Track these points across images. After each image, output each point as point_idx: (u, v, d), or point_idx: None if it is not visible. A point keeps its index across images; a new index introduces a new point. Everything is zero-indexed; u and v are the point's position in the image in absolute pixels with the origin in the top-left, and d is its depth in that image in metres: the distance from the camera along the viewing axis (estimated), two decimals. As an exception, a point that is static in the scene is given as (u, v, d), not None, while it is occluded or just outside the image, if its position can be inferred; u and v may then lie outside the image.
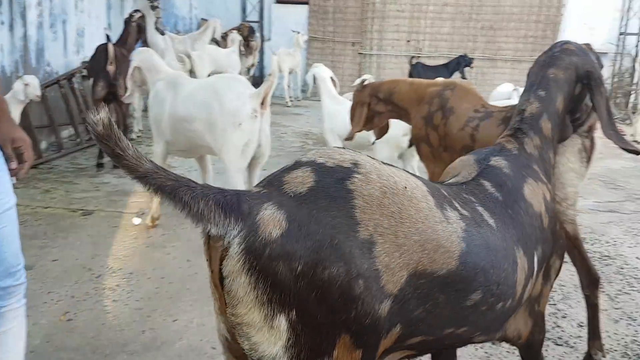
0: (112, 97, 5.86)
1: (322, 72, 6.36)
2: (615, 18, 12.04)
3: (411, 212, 1.26)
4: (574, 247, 2.54)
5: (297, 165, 1.25)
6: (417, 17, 12.64)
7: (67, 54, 7.07)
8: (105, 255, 3.77)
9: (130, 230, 4.27)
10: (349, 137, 3.88)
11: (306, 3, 13.05)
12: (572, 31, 12.28)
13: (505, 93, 6.47)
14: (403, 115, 3.63)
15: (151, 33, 6.89)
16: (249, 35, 9.55)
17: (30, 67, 6.35)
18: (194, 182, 1.16)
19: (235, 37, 9.99)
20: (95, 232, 4.17)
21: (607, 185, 5.96)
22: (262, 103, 3.50)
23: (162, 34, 7.37)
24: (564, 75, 1.94)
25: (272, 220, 1.11)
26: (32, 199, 4.84)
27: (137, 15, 6.31)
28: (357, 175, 1.23)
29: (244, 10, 13.16)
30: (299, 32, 10.99)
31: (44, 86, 6.35)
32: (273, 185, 1.21)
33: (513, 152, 1.75)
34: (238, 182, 3.59)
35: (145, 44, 6.37)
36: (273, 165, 6.38)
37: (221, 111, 3.47)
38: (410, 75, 11.07)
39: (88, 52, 7.41)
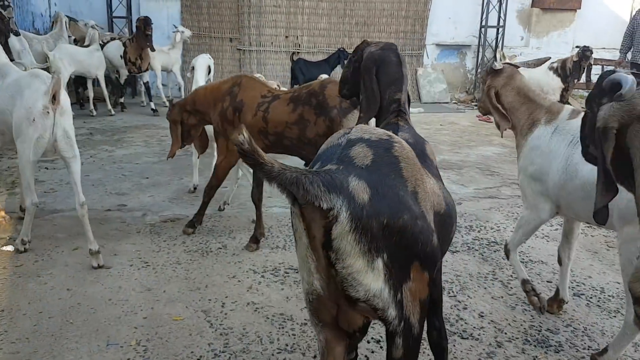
0: None
1: (200, 60, 6.22)
2: (477, 12, 12.97)
3: (423, 169, 1.74)
4: None
5: (351, 143, 1.57)
6: (294, 12, 12.65)
7: None
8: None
9: (-5, 260, 3.73)
10: (170, 156, 4.38)
11: (178, -3, 12.48)
12: (439, 26, 13.07)
13: None
14: (209, 119, 4.05)
15: None
16: (146, 27, 8.88)
17: None
18: (300, 169, 1.41)
19: (94, 34, 9.23)
20: (-49, 267, 3.58)
21: (483, 172, 6.36)
22: (55, 99, 3.56)
23: (17, 34, 6.58)
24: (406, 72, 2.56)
25: (360, 188, 1.45)
26: None
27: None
28: (395, 144, 1.63)
29: (109, 5, 12.25)
30: (177, 29, 10.43)
31: None
32: (344, 161, 1.52)
33: (406, 127, 2.29)
34: (29, 174, 3.69)
35: (5, 46, 5.62)
36: (156, 172, 6.04)
37: (20, 106, 3.57)
38: (292, 71, 11.04)
39: None
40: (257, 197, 4.14)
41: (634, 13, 12.89)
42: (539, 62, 9.78)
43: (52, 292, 3.29)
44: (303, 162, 4.25)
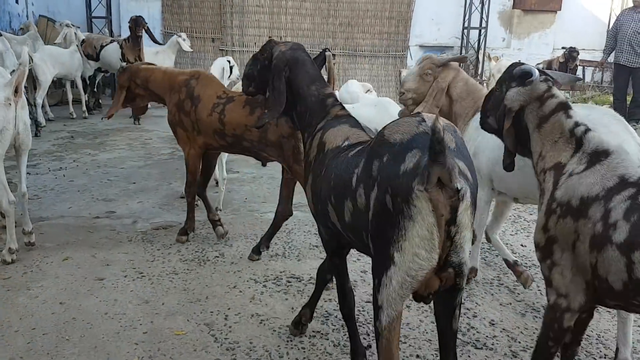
0: None
1: (216, 63, 6.35)
2: (459, 14, 13.02)
3: None
4: None
5: (437, 132, 1.54)
6: (277, 12, 12.54)
7: None
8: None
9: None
10: (108, 116, 4.39)
11: (159, -3, 12.26)
12: (422, 27, 13.10)
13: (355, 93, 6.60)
14: (160, 100, 4.17)
15: None
16: (136, 28, 8.58)
17: None
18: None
19: (71, 33, 8.94)
20: None
21: (476, 174, 6.34)
22: (16, 91, 3.56)
23: (-3, 35, 6.35)
24: None
25: (464, 169, 1.75)
26: None
27: None
28: (455, 128, 1.89)
29: (88, 5, 11.95)
30: (181, 36, 9.78)
31: None
32: (442, 148, 1.57)
33: (349, 115, 2.47)
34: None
35: None
36: (143, 177, 5.87)
37: None
38: None
39: None
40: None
41: (617, 14, 13.14)
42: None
43: (44, 306, 3.13)
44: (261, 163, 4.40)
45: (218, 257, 3.91)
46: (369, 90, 7.42)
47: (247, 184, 5.85)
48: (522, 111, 2.18)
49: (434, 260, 1.69)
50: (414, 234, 1.67)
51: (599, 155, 1.94)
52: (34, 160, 6.35)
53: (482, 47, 12.87)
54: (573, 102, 2.60)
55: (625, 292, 1.79)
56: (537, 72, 2.18)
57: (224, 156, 5.01)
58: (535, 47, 13.36)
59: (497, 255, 3.98)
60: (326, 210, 2.20)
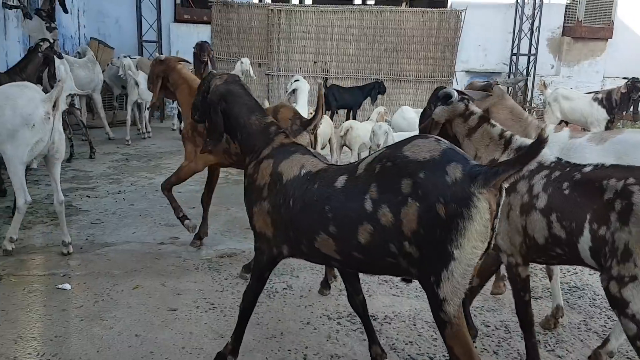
0: None
1: (303, 85, 6.57)
2: (507, 40, 12.88)
3: None
4: None
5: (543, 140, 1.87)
6: (323, 38, 12.62)
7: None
8: (30, 338, 3.04)
9: (52, 299, 3.52)
10: (150, 106, 5.07)
11: (208, 22, 12.49)
12: (468, 52, 12.98)
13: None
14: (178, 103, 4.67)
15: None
16: (201, 53, 8.13)
17: None
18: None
19: (129, 64, 8.99)
20: (10, 306, 3.38)
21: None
22: (54, 106, 3.98)
23: (60, 57, 6.50)
24: None
25: None
26: None
27: (45, 45, 5.53)
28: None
29: (139, 29, 12.26)
30: (241, 60, 9.78)
31: None
32: (468, 162, 2.00)
33: (295, 143, 2.69)
34: (21, 174, 4.01)
35: (52, 77, 5.51)
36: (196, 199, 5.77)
37: (13, 114, 3.85)
38: (326, 97, 10.86)
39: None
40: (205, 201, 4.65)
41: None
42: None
43: (120, 338, 3.08)
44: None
45: (286, 289, 3.83)
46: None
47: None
48: (450, 124, 2.85)
49: (485, 248, 1.98)
50: (473, 231, 1.92)
51: (522, 150, 2.54)
52: (91, 182, 6.44)
53: (532, 74, 12.65)
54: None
55: (546, 246, 2.45)
56: (456, 94, 2.85)
57: None
58: (585, 75, 13.08)
59: (579, 297, 3.79)
60: (311, 238, 2.36)
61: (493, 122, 2.77)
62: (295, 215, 2.40)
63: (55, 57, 6.11)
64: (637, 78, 7.81)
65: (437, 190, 1.95)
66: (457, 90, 2.86)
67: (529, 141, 2.57)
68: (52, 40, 5.81)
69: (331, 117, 10.08)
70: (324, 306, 3.57)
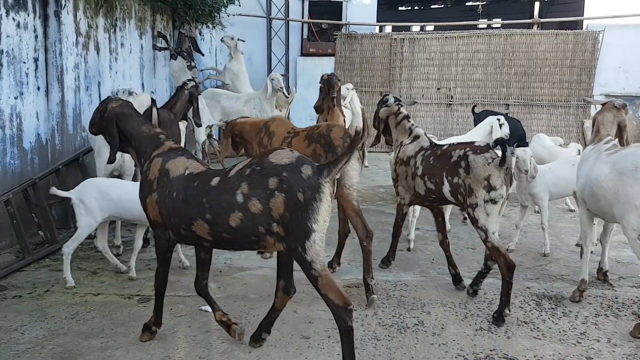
0: None
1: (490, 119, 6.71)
2: (653, 61, 11.74)
3: None
4: (357, 216, 4.22)
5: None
6: (448, 64, 12.43)
7: (104, 117, 6.71)
8: (177, 357, 3.24)
9: (196, 320, 3.75)
10: (219, 160, 5.57)
11: (332, 55, 12.88)
12: (607, 75, 12.03)
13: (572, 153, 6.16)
14: (251, 148, 5.01)
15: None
16: (329, 89, 6.83)
17: (66, 134, 5.97)
18: None
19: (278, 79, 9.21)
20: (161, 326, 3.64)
21: None
22: None
23: (199, 93, 7.06)
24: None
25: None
26: (79, 283, 4.34)
27: (191, 84, 5.96)
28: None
29: (269, 64, 12.97)
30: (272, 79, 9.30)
31: (82, 153, 5.98)
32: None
33: (182, 148, 3.41)
34: None
35: (196, 114, 6.01)
36: (327, 229, 5.75)
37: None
38: (475, 124, 10.31)
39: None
40: None
41: None
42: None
43: (260, 364, 3.17)
44: None
45: (417, 324, 3.72)
46: (560, 144, 6.93)
47: (431, 242, 5.61)
48: (389, 120, 4.58)
49: (328, 219, 2.84)
50: (323, 209, 2.79)
51: (416, 137, 4.38)
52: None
53: (683, 96, 11.38)
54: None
55: (425, 196, 4.23)
56: (392, 99, 4.56)
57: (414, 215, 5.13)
58: None
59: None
60: (189, 223, 3.03)
61: (410, 119, 4.51)
62: (178, 205, 3.06)
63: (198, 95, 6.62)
64: None
65: (297, 183, 2.77)
66: (393, 96, 4.61)
67: (421, 131, 4.46)
68: (194, 79, 6.31)
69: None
70: (459, 346, 3.41)
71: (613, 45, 11.83)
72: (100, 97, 6.66)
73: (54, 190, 4.41)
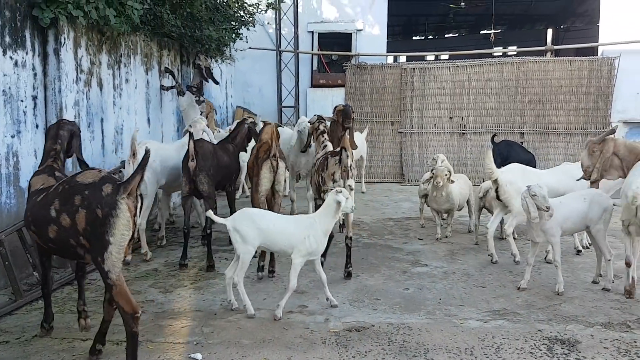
0: (197, 193, 5.86)
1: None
2: (672, 86, 11.44)
3: None
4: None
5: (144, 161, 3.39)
6: (459, 93, 12.27)
7: (106, 154, 6.66)
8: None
9: (184, 369, 3.55)
10: None
11: (342, 86, 12.84)
12: (625, 102, 11.76)
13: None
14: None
15: None
16: (345, 119, 6.84)
17: (66, 171, 5.89)
18: None
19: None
20: (144, 375, 3.46)
21: None
22: (134, 154, 5.76)
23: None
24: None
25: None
26: (68, 327, 4.19)
27: (250, 120, 6.79)
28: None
29: (279, 96, 12.98)
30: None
31: (83, 189, 5.90)
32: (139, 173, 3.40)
33: (51, 166, 4.08)
34: None
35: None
36: (330, 267, 5.33)
37: None
38: (494, 154, 9.90)
39: (127, 151, 7.05)
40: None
41: None
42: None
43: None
44: None
45: (419, 373, 3.46)
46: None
47: (440, 280, 5.36)
48: (314, 133, 6.16)
49: (130, 234, 3.22)
50: (120, 224, 3.18)
51: (324, 147, 5.86)
52: (230, 245, 6.61)
53: None
54: None
55: (317, 188, 5.54)
56: (315, 118, 6.27)
57: None
58: None
59: None
60: (31, 233, 3.62)
61: (325, 135, 5.98)
62: (27, 216, 3.61)
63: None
64: None
65: (96, 200, 3.17)
66: (317, 115, 6.21)
67: (331, 146, 5.80)
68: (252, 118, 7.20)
69: None
70: (463, 398, 3.15)
71: (630, 71, 11.56)
72: (103, 133, 6.64)
73: (210, 214, 4.61)
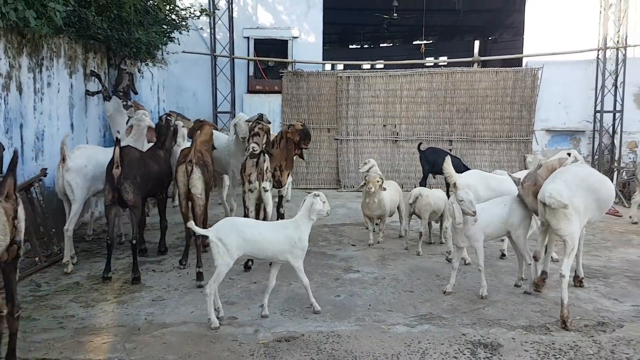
0: (122, 202, 5.59)
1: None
2: (590, 97, 12.19)
3: None
4: (201, 215, 5.64)
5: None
6: (392, 101, 12.57)
7: (25, 161, 6.29)
8: None
9: (103, 388, 3.39)
10: None
11: (279, 92, 12.82)
12: (548, 111, 12.40)
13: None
14: None
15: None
16: (304, 140, 6.55)
17: (-18, 179, 5.51)
18: None
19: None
20: (59, 397, 3.27)
21: (635, 283, 5.43)
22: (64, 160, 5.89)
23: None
24: None
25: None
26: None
27: (173, 119, 6.62)
28: None
29: (215, 102, 12.78)
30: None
31: None
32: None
33: None
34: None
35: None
36: (264, 275, 5.35)
37: None
38: (421, 161, 10.08)
39: (48, 158, 6.70)
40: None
41: None
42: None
43: None
44: None
45: (346, 382, 3.47)
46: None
47: (370, 286, 5.42)
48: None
49: (7, 240, 3.17)
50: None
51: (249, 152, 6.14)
52: (159, 256, 6.43)
53: (618, 131, 11.81)
54: None
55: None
56: (256, 117, 6.53)
57: None
58: (682, 130, 12.04)
59: None
60: None
61: (257, 137, 6.19)
62: None
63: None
64: None
65: None
66: (260, 114, 6.48)
67: (257, 148, 6.06)
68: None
69: (423, 183, 9.55)
70: (388, 405, 3.18)
71: (552, 81, 12.24)
72: (22, 139, 6.27)
73: (192, 225, 4.44)
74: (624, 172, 10.89)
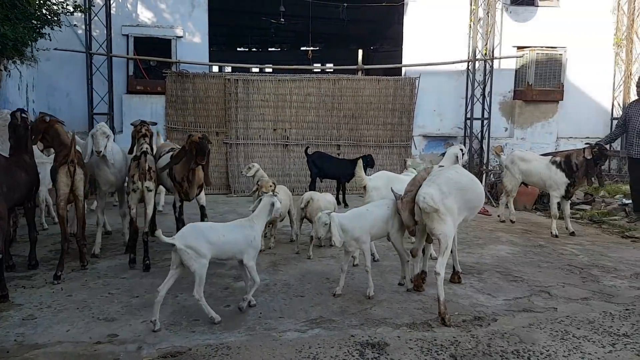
0: None
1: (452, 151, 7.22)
2: (461, 105, 13.16)
3: None
4: (81, 217, 5.87)
5: None
6: (282, 106, 12.63)
7: None
8: None
9: None
10: None
11: (162, 93, 12.32)
12: (424, 118, 13.19)
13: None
14: None
15: None
16: (198, 155, 5.91)
17: None
18: None
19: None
20: None
21: (506, 278, 5.90)
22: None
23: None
24: None
25: None
26: None
27: (23, 115, 5.97)
28: None
29: (90, 102, 11.96)
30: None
31: None
32: None
33: None
34: None
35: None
36: (146, 289, 5.13)
37: None
38: (309, 165, 10.17)
39: None
40: None
41: (619, 102, 13.26)
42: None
43: None
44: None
45: (237, 394, 3.38)
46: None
47: (261, 293, 5.35)
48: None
49: None
50: None
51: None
52: (30, 270, 5.88)
53: (486, 136, 12.86)
54: None
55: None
56: (139, 121, 6.35)
57: None
58: (539, 136, 13.40)
59: None
60: None
61: (147, 139, 6.22)
62: None
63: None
64: (601, 144, 7.85)
65: None
66: (141, 120, 6.40)
67: (148, 148, 6.10)
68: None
69: (312, 187, 9.66)
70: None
71: (428, 90, 13.05)
72: None
73: (159, 234, 4.26)
74: (492, 174, 11.88)
